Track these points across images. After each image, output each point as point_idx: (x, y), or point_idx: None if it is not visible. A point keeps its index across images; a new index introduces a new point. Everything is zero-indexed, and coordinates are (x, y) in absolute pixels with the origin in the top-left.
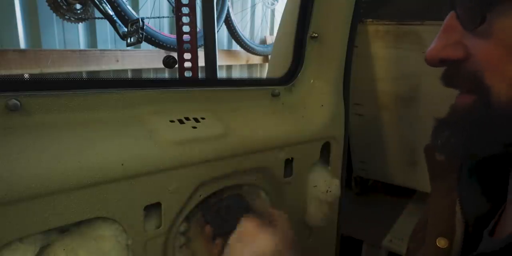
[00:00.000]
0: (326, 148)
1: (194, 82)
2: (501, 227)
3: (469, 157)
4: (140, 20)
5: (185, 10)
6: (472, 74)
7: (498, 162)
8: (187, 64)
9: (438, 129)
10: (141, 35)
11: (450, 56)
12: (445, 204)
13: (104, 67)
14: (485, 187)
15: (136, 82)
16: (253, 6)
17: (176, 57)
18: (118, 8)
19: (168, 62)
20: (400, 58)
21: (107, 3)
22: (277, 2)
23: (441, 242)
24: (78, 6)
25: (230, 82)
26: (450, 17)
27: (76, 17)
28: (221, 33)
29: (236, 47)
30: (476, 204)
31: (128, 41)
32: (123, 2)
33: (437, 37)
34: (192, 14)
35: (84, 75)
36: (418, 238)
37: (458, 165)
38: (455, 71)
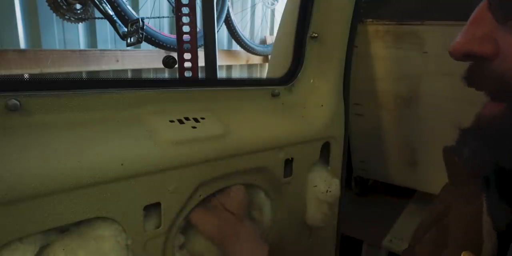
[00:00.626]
0: (326, 148)
1: (194, 82)
2: None
3: (495, 172)
4: (140, 20)
5: (185, 10)
6: (499, 74)
7: None
8: (187, 64)
9: (462, 140)
10: (141, 35)
11: (476, 50)
12: (468, 213)
13: (104, 67)
14: None
15: (136, 82)
16: (253, 6)
17: (176, 57)
18: (118, 8)
19: (168, 62)
20: (400, 58)
21: (107, 3)
22: (277, 2)
23: None
24: (78, 6)
25: (230, 82)
26: (481, 7)
27: (76, 17)
28: (221, 33)
29: (236, 47)
30: (507, 214)
31: (128, 41)
32: (123, 2)
33: (464, 29)
34: (192, 14)
35: (84, 75)
36: (419, 236)
37: (484, 167)
38: (480, 69)
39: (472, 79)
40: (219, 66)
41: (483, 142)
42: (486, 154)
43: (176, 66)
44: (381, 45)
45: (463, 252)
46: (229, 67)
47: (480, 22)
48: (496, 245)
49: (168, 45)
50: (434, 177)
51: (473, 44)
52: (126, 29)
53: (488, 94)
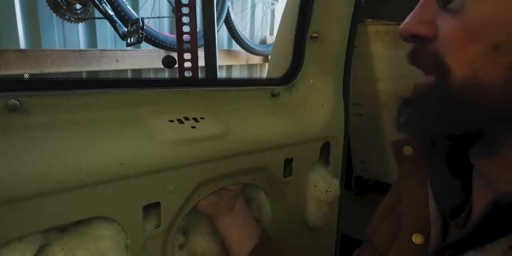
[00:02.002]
0: (326, 148)
1: (194, 82)
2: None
3: (424, 136)
4: (140, 20)
5: (185, 10)
6: (435, 53)
7: (464, 149)
8: (187, 64)
9: (400, 108)
10: (141, 35)
11: (422, 33)
12: (417, 200)
13: (104, 67)
14: (458, 177)
15: (136, 82)
16: (253, 6)
17: (176, 57)
18: (118, 8)
19: (168, 62)
20: (400, 58)
21: (107, 3)
22: (277, 2)
23: (417, 239)
24: (78, 6)
25: (230, 82)
26: None
27: (76, 17)
28: (221, 33)
29: (236, 47)
30: (451, 197)
31: (128, 41)
32: (123, 2)
33: (413, 11)
34: (192, 14)
35: (84, 75)
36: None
37: (427, 158)
38: (421, 49)
39: (414, 58)
40: (219, 66)
41: (415, 108)
42: (417, 121)
43: (176, 66)
44: (381, 45)
45: (414, 235)
46: (229, 67)
47: (427, 6)
48: (441, 227)
49: (168, 45)
50: None
51: (421, 26)
52: (126, 29)
53: (424, 71)
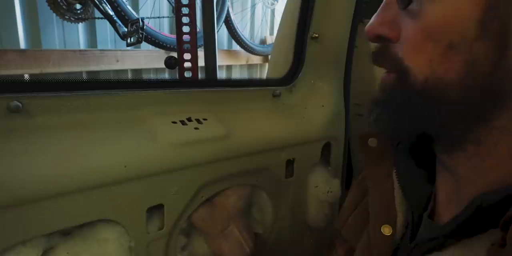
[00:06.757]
0: (326, 149)
1: (196, 83)
2: (439, 209)
3: (394, 133)
4: (140, 20)
5: (185, 10)
6: (395, 55)
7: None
8: (187, 64)
9: (372, 106)
10: (141, 35)
11: (385, 33)
12: (383, 190)
13: (104, 67)
14: (422, 168)
15: (138, 83)
16: (253, 6)
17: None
18: (118, 8)
19: (170, 63)
20: None
21: (107, 3)
22: (277, 2)
23: (385, 230)
24: (78, 6)
25: (231, 83)
26: None
27: (76, 17)
28: (221, 33)
29: (236, 47)
30: (416, 187)
31: (128, 41)
32: (123, 2)
33: (376, 12)
34: (192, 14)
35: (84, 75)
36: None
37: (392, 150)
38: (383, 50)
39: (377, 58)
40: (219, 66)
41: (383, 107)
42: (386, 119)
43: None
44: None
45: (383, 226)
46: (229, 67)
47: (389, 7)
48: (408, 216)
49: (168, 45)
50: None
51: (384, 27)
52: (126, 29)
53: (386, 69)
